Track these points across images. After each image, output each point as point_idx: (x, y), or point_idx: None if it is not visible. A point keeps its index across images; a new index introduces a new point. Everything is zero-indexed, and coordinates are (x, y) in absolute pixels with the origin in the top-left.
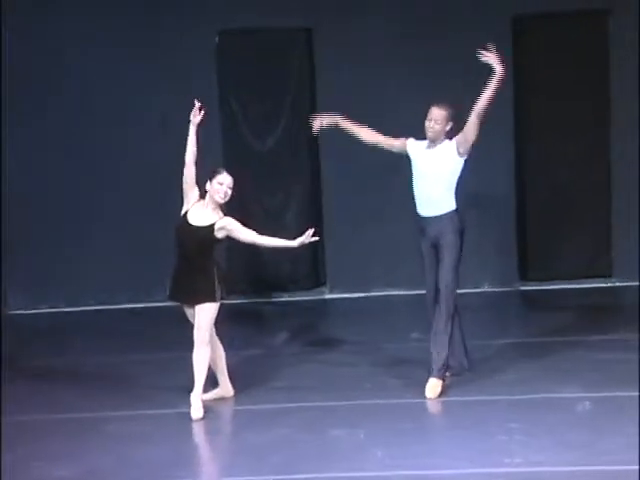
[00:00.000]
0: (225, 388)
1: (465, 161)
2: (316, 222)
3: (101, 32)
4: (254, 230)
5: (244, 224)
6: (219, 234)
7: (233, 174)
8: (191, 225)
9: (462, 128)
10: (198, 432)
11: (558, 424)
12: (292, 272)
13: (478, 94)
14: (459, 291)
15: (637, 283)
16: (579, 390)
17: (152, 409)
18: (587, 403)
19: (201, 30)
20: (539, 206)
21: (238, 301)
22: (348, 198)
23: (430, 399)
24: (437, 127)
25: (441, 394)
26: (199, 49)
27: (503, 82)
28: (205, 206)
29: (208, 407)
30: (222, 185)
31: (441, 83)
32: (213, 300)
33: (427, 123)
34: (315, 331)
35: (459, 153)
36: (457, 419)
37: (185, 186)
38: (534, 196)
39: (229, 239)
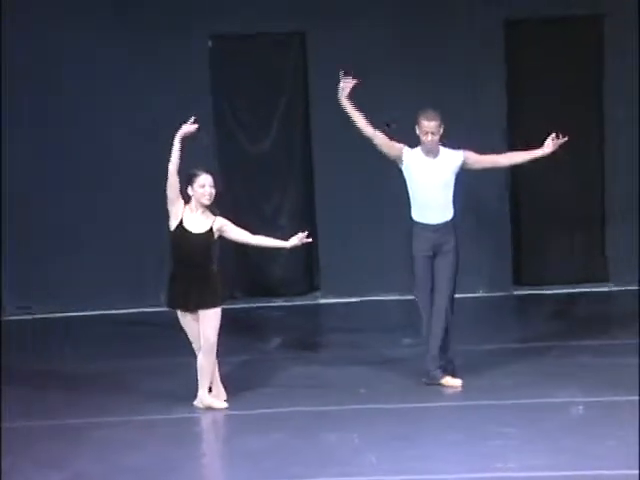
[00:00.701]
0: (217, 392)
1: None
2: (310, 226)
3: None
4: (247, 231)
5: (236, 225)
6: (216, 235)
7: (227, 178)
8: (190, 232)
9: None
10: (191, 438)
11: (553, 429)
12: (285, 277)
13: (471, 97)
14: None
15: (632, 287)
16: (574, 395)
17: (144, 415)
18: (582, 407)
19: (194, 34)
20: (533, 211)
21: (231, 306)
22: (342, 203)
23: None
24: (435, 138)
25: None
26: (192, 53)
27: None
28: (193, 211)
29: (201, 413)
30: (204, 187)
31: (434, 86)
32: (218, 304)
33: (423, 137)
34: (308, 336)
35: (461, 166)
36: (451, 424)
37: (171, 195)
38: (528, 201)
39: (220, 240)
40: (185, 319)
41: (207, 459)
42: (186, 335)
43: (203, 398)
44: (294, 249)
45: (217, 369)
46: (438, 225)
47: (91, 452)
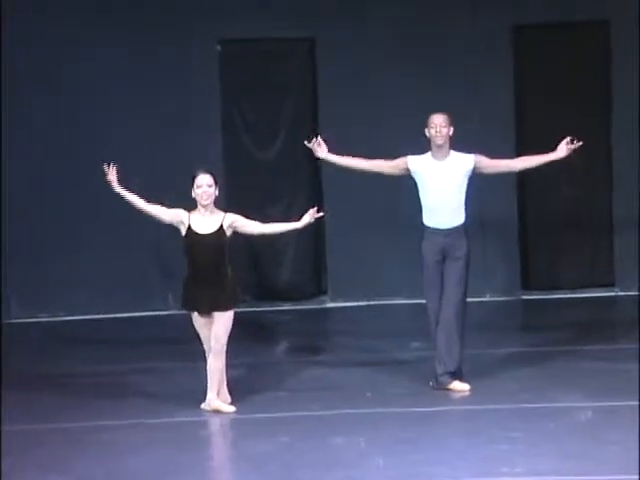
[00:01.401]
0: (223, 396)
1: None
2: (317, 230)
3: (102, 39)
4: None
5: (246, 217)
6: (228, 232)
7: (234, 182)
8: (201, 235)
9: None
10: (197, 441)
11: (560, 433)
12: (293, 281)
13: (478, 102)
14: None
15: (638, 293)
16: (581, 399)
17: (150, 418)
18: (589, 412)
19: (204, 39)
20: (541, 215)
21: (239, 310)
22: (349, 207)
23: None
24: (444, 130)
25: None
26: (201, 58)
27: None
28: (202, 213)
29: (207, 416)
30: (201, 187)
31: (442, 91)
32: (233, 307)
33: (432, 131)
34: (316, 340)
35: (473, 170)
36: (458, 428)
37: (162, 218)
38: (536, 206)
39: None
40: (199, 321)
41: (213, 463)
42: (198, 336)
43: (211, 401)
44: (302, 252)
45: (224, 373)
46: (449, 230)
47: (95, 455)
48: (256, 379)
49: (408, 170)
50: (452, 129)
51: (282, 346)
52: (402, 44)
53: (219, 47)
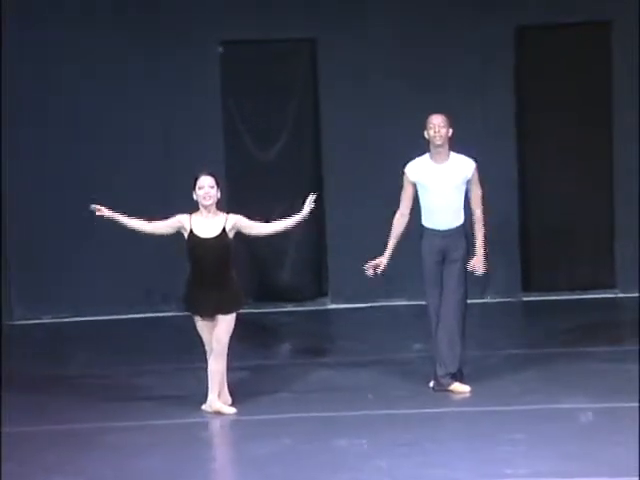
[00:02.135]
0: (224, 398)
1: None
2: (319, 232)
3: (103, 40)
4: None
5: (248, 217)
6: (231, 234)
7: (235, 183)
8: (203, 238)
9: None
10: (200, 443)
11: (562, 435)
12: (294, 282)
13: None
14: None
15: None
16: (583, 401)
17: (153, 420)
18: (591, 414)
19: (205, 40)
20: (542, 217)
21: (240, 311)
22: (350, 208)
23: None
24: (443, 130)
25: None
26: (203, 59)
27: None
28: (204, 216)
29: (209, 418)
30: (202, 189)
31: (443, 92)
32: (236, 310)
33: (431, 132)
34: (317, 341)
35: (468, 179)
36: (460, 430)
37: (166, 230)
38: (537, 207)
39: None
40: (201, 323)
41: (216, 464)
42: (200, 338)
43: (213, 403)
44: (303, 253)
45: (225, 375)
46: (448, 231)
47: (100, 457)
48: (257, 381)
49: (413, 181)
50: (451, 130)
51: (283, 348)
52: (404, 44)
53: (221, 48)
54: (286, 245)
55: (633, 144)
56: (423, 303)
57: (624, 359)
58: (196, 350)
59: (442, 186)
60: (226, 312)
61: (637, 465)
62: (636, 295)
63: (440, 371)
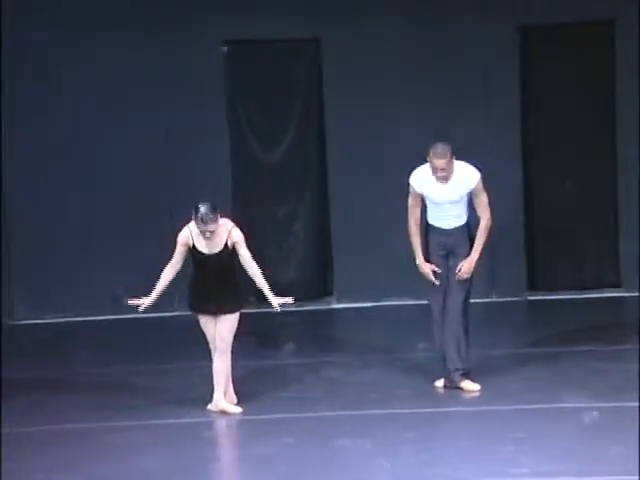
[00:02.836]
0: (229, 397)
1: None
2: (324, 232)
3: (104, 39)
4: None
5: (247, 239)
6: (231, 246)
7: (239, 183)
8: (206, 255)
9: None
10: (204, 442)
11: (566, 434)
12: (299, 281)
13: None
14: None
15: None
16: (586, 400)
17: (157, 419)
18: (594, 413)
19: (209, 40)
20: (547, 216)
21: (244, 311)
22: (356, 208)
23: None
24: (449, 169)
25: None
26: (207, 59)
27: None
28: (207, 235)
29: (214, 417)
30: (204, 233)
31: (446, 92)
32: (238, 310)
33: (433, 172)
34: (321, 341)
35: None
36: (463, 429)
37: (183, 257)
38: (542, 206)
39: None
40: (205, 322)
41: (220, 463)
42: (204, 336)
43: (218, 401)
44: (308, 253)
45: (230, 374)
46: (452, 230)
47: (103, 456)
48: (262, 380)
49: (420, 192)
50: (453, 158)
51: (287, 347)
52: (408, 44)
53: (225, 48)
54: (291, 244)
55: (637, 143)
56: (428, 303)
57: (629, 358)
58: (199, 350)
59: (446, 199)
60: (229, 312)
61: (638, 464)
62: None
63: (450, 367)
